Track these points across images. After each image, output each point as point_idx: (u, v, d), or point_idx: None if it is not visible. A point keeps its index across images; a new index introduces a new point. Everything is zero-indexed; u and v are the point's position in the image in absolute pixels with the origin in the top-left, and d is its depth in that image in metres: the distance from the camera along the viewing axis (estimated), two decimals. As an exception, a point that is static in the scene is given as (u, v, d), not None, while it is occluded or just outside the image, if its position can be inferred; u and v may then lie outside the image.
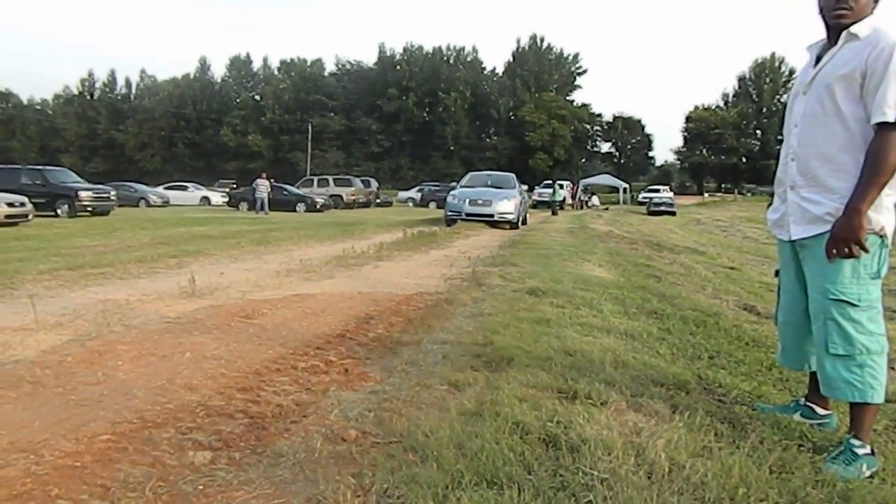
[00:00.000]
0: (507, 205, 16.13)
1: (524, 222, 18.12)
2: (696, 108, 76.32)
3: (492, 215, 15.95)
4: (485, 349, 3.47)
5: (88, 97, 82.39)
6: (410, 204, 41.70)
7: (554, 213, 31.37)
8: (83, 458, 2.08)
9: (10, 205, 15.10)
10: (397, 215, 25.22)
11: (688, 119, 76.15)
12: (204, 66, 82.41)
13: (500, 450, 2.09)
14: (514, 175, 18.92)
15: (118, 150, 76.85)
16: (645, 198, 48.51)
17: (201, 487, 1.92)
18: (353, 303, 5.07)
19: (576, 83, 79.87)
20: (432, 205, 36.06)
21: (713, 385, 3.13)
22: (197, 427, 2.37)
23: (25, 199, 15.81)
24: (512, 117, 75.35)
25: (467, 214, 15.97)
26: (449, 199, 17.01)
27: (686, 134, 76.77)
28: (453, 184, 19.39)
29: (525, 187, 18.37)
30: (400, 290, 5.77)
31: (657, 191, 52.68)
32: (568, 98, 77.57)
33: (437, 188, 41.40)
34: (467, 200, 16.23)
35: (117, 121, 76.85)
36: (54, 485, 1.90)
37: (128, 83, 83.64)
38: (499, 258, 8.38)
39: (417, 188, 46.25)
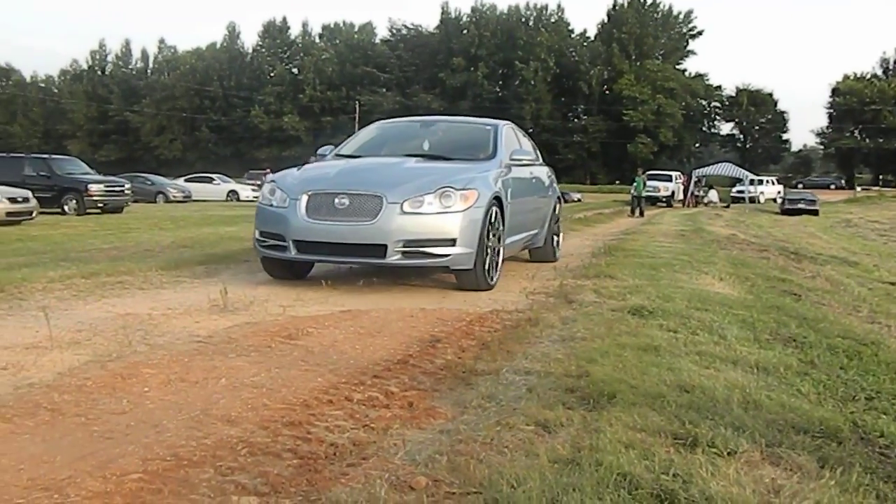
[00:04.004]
0: (434, 213, 6.26)
1: (550, 253, 9.30)
2: (846, 77, 74.28)
3: (381, 247, 6.17)
4: (579, 382, 3.49)
5: (99, 73, 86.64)
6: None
7: (634, 214, 28.05)
8: (113, 499, 2.21)
9: (13, 200, 15.93)
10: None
11: (835, 92, 74.11)
12: (232, 34, 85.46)
13: (603, 507, 2.11)
14: (507, 125, 8.47)
15: (132, 135, 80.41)
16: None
17: (248, 539, 2.02)
18: (414, 321, 5.16)
19: (688, 48, 78.82)
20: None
21: (873, 434, 3.07)
22: (239, 467, 2.48)
23: (29, 194, 16.65)
24: (606, 92, 74.77)
25: (300, 244, 6.36)
26: (262, 196, 7.00)
27: (832, 111, 74.71)
28: (314, 157, 9.35)
29: (548, 169, 9.74)
30: (471, 306, 5.83)
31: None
32: (678, 67, 76.48)
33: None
34: (304, 200, 6.38)
35: (132, 100, 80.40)
36: (82, 529, 2.03)
37: (144, 56, 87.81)
38: (592, 268, 8.34)
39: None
